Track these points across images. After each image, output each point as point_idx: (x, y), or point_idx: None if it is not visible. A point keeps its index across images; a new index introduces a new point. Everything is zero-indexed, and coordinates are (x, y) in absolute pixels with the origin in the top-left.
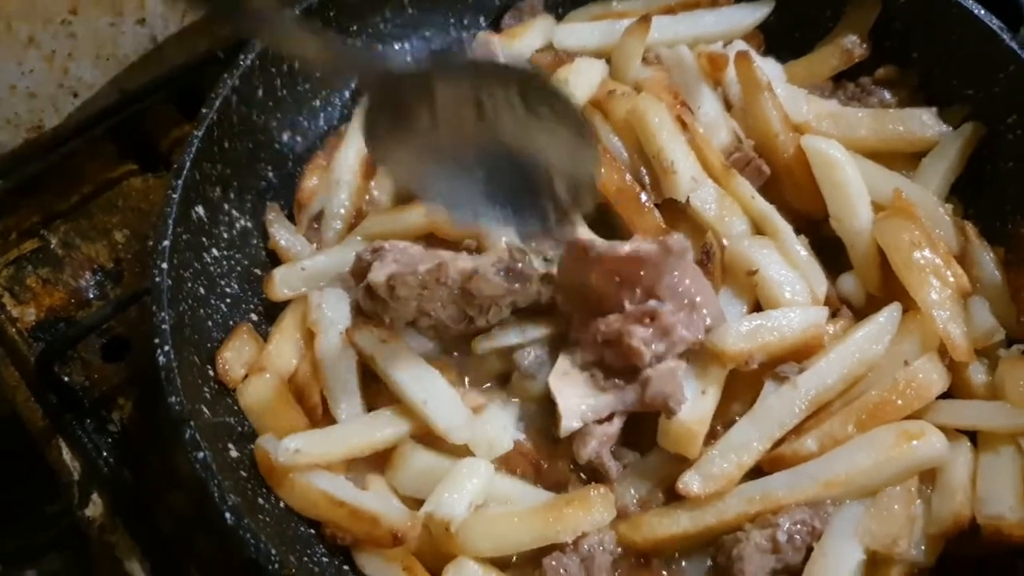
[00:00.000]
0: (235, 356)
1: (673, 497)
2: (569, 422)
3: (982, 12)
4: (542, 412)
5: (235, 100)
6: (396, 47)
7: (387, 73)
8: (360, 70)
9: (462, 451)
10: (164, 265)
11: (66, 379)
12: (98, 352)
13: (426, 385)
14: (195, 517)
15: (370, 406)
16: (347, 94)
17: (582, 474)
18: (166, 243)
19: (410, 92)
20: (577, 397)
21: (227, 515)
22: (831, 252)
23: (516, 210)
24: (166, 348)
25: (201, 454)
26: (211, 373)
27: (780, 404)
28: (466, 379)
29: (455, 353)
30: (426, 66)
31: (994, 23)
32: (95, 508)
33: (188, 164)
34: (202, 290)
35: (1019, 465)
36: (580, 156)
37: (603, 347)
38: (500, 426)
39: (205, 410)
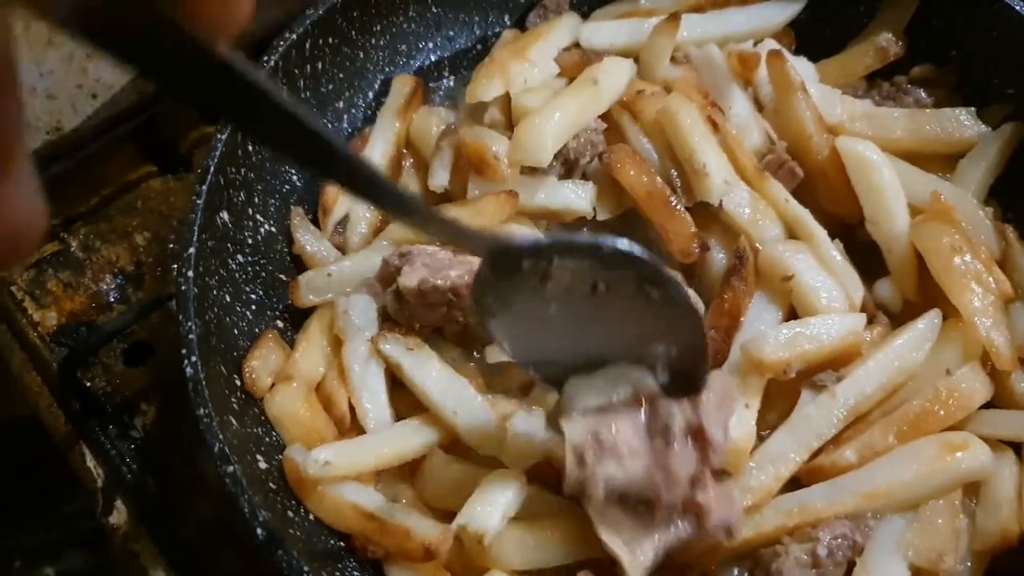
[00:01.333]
0: (262, 365)
1: None
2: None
3: (1023, 8)
4: None
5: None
6: (420, 46)
7: (509, 247)
8: (483, 246)
9: (492, 462)
10: (190, 273)
11: (88, 385)
12: (120, 357)
13: (455, 394)
14: (220, 526)
15: (398, 414)
16: (371, 95)
17: None
18: (192, 250)
19: (527, 264)
20: (634, 543)
21: (259, 531)
22: (866, 257)
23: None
24: (193, 359)
25: (231, 468)
26: (238, 383)
27: (818, 414)
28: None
29: (481, 361)
30: (547, 243)
31: None
32: (119, 515)
33: (212, 169)
34: (228, 297)
35: None
36: (687, 335)
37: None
38: (529, 435)
39: (233, 421)
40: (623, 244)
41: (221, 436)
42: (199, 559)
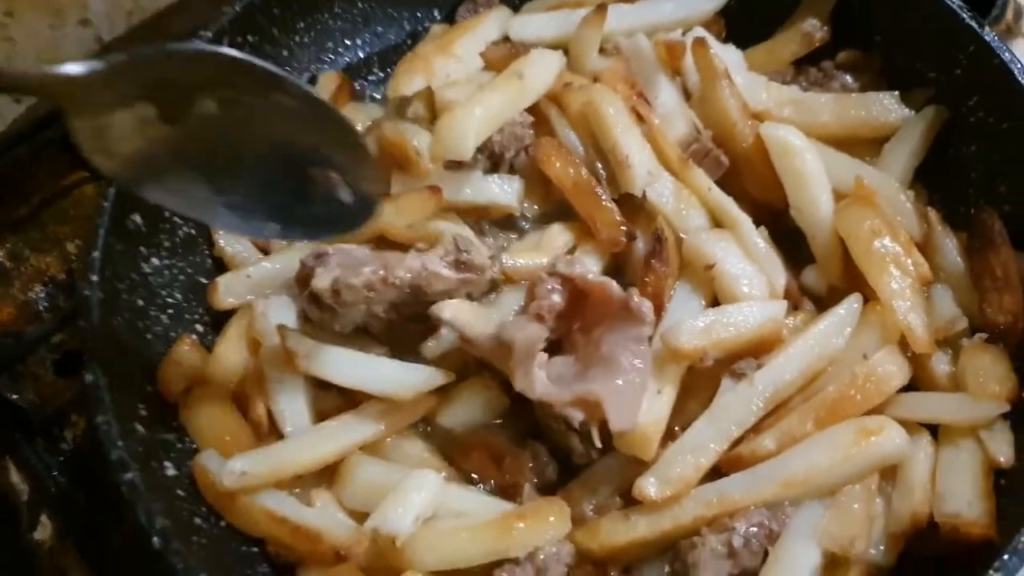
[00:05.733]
0: (176, 369)
1: (630, 502)
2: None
3: None
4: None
5: None
6: (347, 42)
7: (70, 81)
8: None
9: (412, 461)
10: (94, 278)
11: (15, 397)
12: (50, 367)
13: (365, 364)
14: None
15: (322, 415)
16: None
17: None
18: (95, 254)
19: (116, 96)
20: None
21: (154, 539)
22: (795, 243)
23: (298, 214)
24: (94, 365)
25: (129, 475)
26: (148, 389)
27: (737, 402)
28: None
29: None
30: (122, 60)
31: (955, 2)
32: (44, 531)
33: None
34: (140, 302)
35: (979, 460)
36: (332, 133)
37: None
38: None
39: (139, 428)
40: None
41: (120, 443)
42: (129, 574)
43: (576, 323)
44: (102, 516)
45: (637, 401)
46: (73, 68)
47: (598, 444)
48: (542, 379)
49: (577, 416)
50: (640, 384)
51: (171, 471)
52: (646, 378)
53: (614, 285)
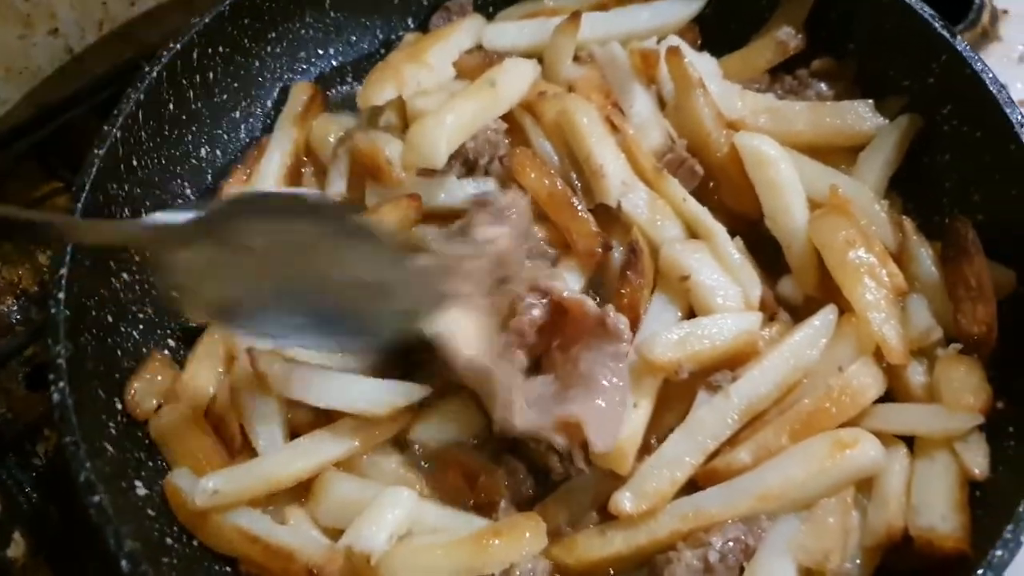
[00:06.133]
0: (146, 386)
1: (607, 516)
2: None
3: (915, 1)
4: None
5: (142, 116)
6: (320, 52)
7: (167, 233)
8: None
9: (387, 477)
10: (61, 295)
11: None
12: (21, 381)
13: (339, 383)
14: None
15: (294, 431)
16: (269, 104)
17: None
18: (63, 271)
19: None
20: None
21: (123, 563)
22: (770, 252)
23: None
24: (61, 384)
25: (96, 498)
26: (119, 406)
27: (713, 416)
28: None
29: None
30: (203, 216)
31: (927, 11)
32: (17, 548)
33: (87, 187)
34: (110, 318)
35: (954, 472)
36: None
37: None
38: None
39: (109, 447)
40: (301, 193)
41: (88, 464)
42: None
43: (555, 340)
44: (75, 533)
45: (617, 421)
46: (165, 219)
47: (582, 466)
48: (522, 412)
49: (559, 441)
50: (620, 403)
51: (142, 490)
52: (625, 396)
53: (590, 302)
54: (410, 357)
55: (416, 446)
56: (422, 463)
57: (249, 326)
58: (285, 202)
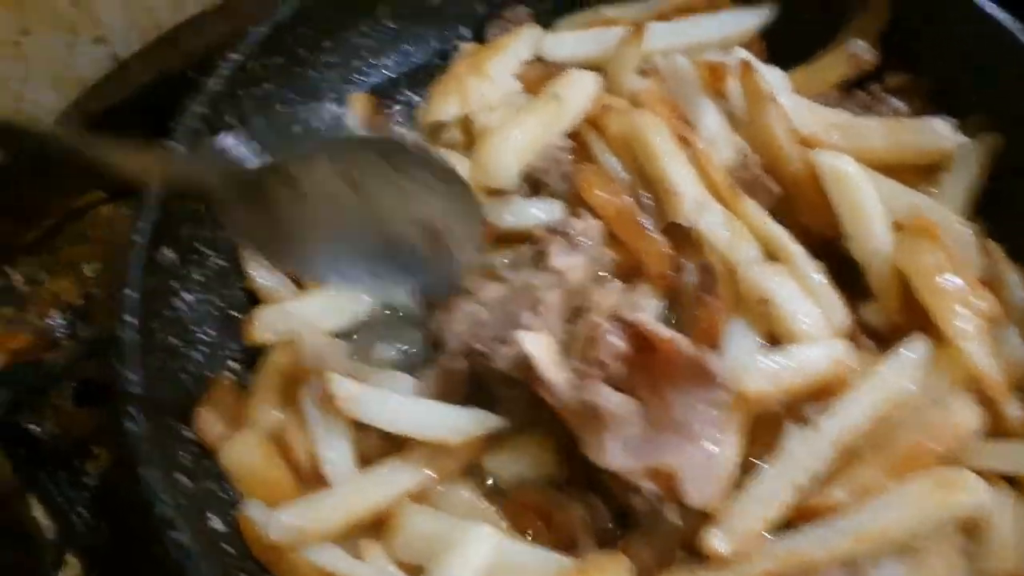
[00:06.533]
0: (214, 413)
1: (694, 554)
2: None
3: (998, 11)
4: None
5: (203, 128)
6: (374, 62)
7: (235, 176)
8: (206, 181)
9: (466, 511)
10: (129, 319)
11: (38, 428)
12: (70, 397)
13: (411, 408)
14: None
15: (363, 458)
16: (327, 118)
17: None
18: (129, 291)
19: (268, 185)
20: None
21: None
22: (852, 273)
23: (411, 272)
24: (131, 413)
25: (176, 535)
26: (188, 435)
27: (805, 450)
28: None
29: None
30: (278, 161)
31: (1012, 23)
32: (70, 570)
33: (153, 203)
34: (174, 340)
35: None
36: (463, 208)
37: None
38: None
39: (183, 478)
40: (353, 133)
41: (164, 497)
42: None
43: (643, 377)
44: (129, 554)
45: (716, 475)
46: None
47: (678, 521)
48: (617, 451)
49: (650, 488)
50: (721, 457)
51: (217, 524)
52: (726, 449)
53: (684, 340)
54: (490, 391)
55: (489, 478)
56: (495, 495)
57: (314, 269)
58: (357, 145)
